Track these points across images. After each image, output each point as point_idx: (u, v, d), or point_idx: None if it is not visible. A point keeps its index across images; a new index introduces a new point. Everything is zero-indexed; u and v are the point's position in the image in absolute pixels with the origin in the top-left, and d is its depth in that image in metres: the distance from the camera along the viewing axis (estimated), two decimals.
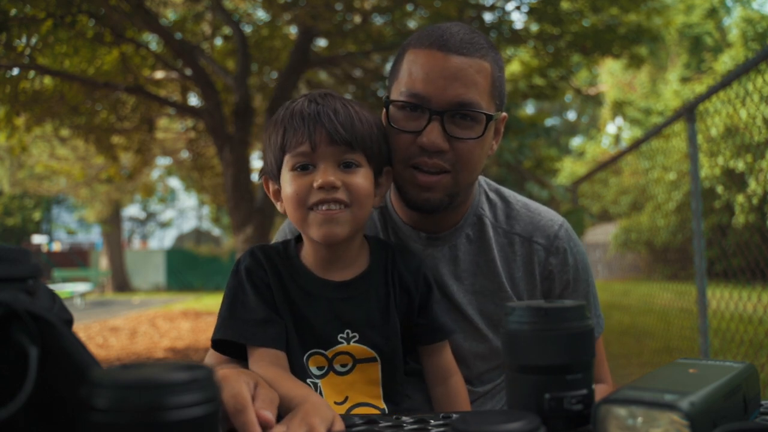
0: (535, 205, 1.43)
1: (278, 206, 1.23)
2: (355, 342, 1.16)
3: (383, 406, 1.17)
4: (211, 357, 1.25)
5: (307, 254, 1.21)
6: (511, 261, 1.36)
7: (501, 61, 1.32)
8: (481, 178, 1.46)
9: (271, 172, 1.21)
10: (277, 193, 1.22)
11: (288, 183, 1.15)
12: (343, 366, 1.16)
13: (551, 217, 1.41)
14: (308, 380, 1.13)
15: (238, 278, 1.17)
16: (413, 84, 1.23)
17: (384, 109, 1.29)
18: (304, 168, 1.13)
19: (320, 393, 1.13)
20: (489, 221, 1.38)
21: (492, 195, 1.43)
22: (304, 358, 1.14)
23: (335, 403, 1.13)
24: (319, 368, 1.15)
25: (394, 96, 1.28)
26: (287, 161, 1.15)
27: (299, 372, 1.13)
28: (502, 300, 1.34)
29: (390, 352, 1.17)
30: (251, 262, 1.18)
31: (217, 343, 1.16)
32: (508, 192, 1.47)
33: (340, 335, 1.16)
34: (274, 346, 1.11)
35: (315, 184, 1.11)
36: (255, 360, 1.11)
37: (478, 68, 1.23)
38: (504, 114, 1.35)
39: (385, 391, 1.18)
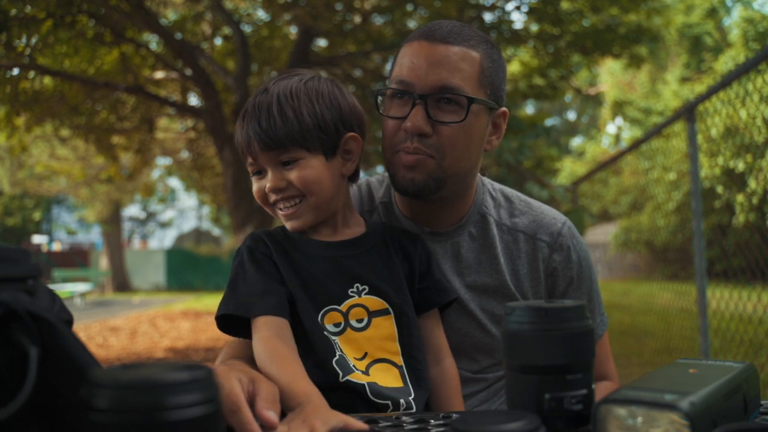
0: (537, 203, 1.45)
1: None
2: (366, 294, 1.19)
3: (401, 362, 1.19)
4: (227, 349, 1.27)
5: None
6: (515, 258, 1.37)
7: (497, 55, 1.33)
8: (485, 179, 1.47)
9: None
10: None
11: (252, 184, 1.25)
12: (359, 321, 1.18)
13: (554, 215, 1.42)
14: (325, 332, 1.14)
15: (239, 259, 1.21)
16: (400, 72, 1.28)
17: (376, 100, 1.36)
18: (258, 173, 1.23)
19: (339, 350, 1.14)
20: (492, 219, 1.39)
21: (495, 194, 1.45)
22: (319, 316, 1.15)
23: (355, 358, 1.15)
24: (336, 325, 1.16)
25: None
26: (248, 165, 1.25)
27: (315, 329, 1.14)
28: (504, 297, 1.35)
29: (401, 303, 1.20)
30: (251, 242, 1.23)
31: (222, 323, 1.17)
32: (510, 191, 1.48)
33: (350, 290, 1.19)
34: (275, 314, 1.12)
35: (266, 190, 1.20)
36: (257, 330, 1.11)
37: (462, 56, 1.26)
38: (503, 109, 1.36)
39: (402, 347, 1.20)
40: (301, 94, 1.21)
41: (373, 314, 1.19)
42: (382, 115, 1.31)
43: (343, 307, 1.17)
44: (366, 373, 1.14)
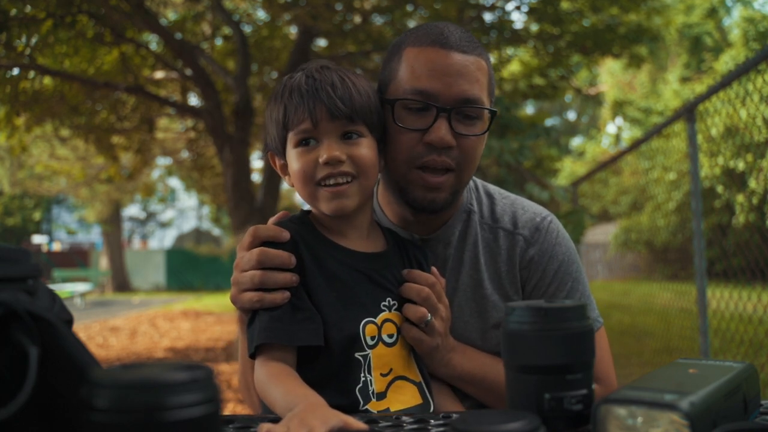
0: (521, 200, 1.44)
1: (286, 180, 1.25)
2: (395, 310, 1.20)
3: (420, 378, 1.20)
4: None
5: (325, 227, 1.22)
6: (496, 255, 1.36)
7: (490, 60, 1.34)
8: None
9: (276, 149, 1.23)
10: (284, 167, 1.25)
11: (294, 160, 1.17)
12: (390, 336, 1.18)
13: (536, 210, 1.41)
14: (357, 354, 1.13)
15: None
16: (418, 81, 1.23)
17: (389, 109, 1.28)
18: (307, 143, 1.16)
19: (369, 365, 1.13)
20: (476, 218, 1.39)
21: (480, 193, 1.44)
22: (361, 326, 1.14)
23: (381, 374, 1.14)
24: (372, 338, 1.15)
25: (393, 96, 1.27)
26: (291, 138, 1.17)
27: (352, 342, 1.12)
28: (480, 297, 1.35)
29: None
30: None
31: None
32: (493, 188, 1.48)
33: (383, 303, 1.18)
34: (292, 343, 1.09)
35: (320, 160, 1.13)
36: (263, 356, 1.10)
37: (477, 65, 1.25)
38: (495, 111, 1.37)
39: (417, 361, 1.22)
40: (362, 79, 1.21)
41: (399, 330, 1.19)
42: (399, 127, 1.24)
43: (378, 320, 1.17)
44: (383, 394, 1.14)
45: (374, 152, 1.20)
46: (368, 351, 1.14)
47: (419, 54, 1.24)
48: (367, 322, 1.15)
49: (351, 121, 1.15)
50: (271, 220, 1.24)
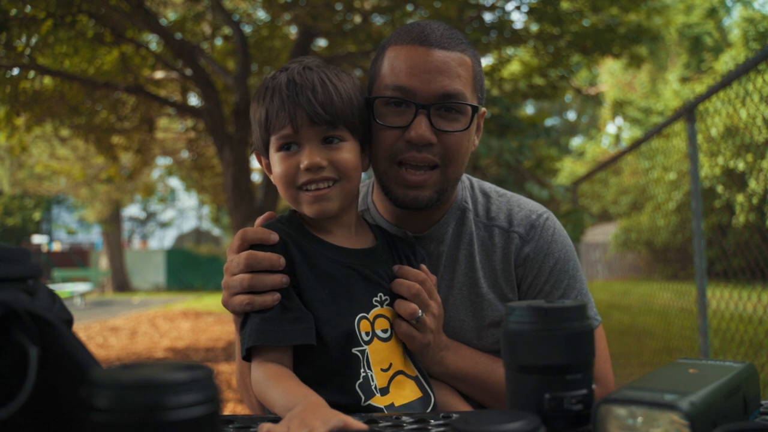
0: (517, 198, 1.43)
1: (272, 178, 1.25)
2: (387, 305, 1.20)
3: (415, 372, 1.20)
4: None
5: (313, 226, 1.22)
6: (491, 253, 1.36)
7: (479, 56, 1.33)
8: (465, 176, 1.46)
9: (260, 149, 1.24)
10: (269, 166, 1.25)
11: (276, 164, 1.18)
12: (384, 331, 1.18)
13: (532, 208, 1.40)
14: (354, 350, 1.13)
15: None
16: (397, 78, 1.23)
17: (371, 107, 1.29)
18: (289, 147, 1.16)
19: (368, 360, 1.14)
20: (471, 216, 1.39)
21: (475, 191, 1.44)
22: (355, 322, 1.15)
23: (381, 370, 1.15)
24: (366, 333, 1.16)
25: (376, 93, 1.28)
26: (273, 142, 1.18)
27: (348, 338, 1.12)
28: (476, 296, 1.35)
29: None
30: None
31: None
32: (489, 186, 1.48)
33: (375, 299, 1.19)
34: (283, 343, 1.09)
35: (302, 166, 1.14)
36: (259, 358, 1.10)
37: (460, 61, 1.25)
38: (484, 109, 1.36)
39: (410, 356, 1.22)
40: (345, 79, 1.20)
41: (392, 325, 1.20)
42: (380, 125, 1.25)
43: (371, 316, 1.17)
44: (387, 389, 1.14)
45: (356, 155, 1.20)
46: (365, 346, 1.14)
47: (399, 52, 1.25)
48: (361, 318, 1.15)
49: (332, 127, 1.15)
50: (258, 221, 1.24)
